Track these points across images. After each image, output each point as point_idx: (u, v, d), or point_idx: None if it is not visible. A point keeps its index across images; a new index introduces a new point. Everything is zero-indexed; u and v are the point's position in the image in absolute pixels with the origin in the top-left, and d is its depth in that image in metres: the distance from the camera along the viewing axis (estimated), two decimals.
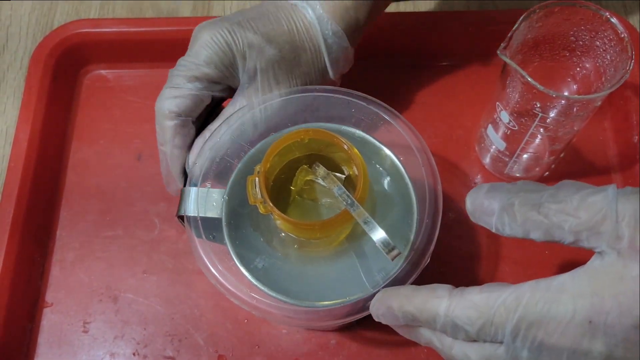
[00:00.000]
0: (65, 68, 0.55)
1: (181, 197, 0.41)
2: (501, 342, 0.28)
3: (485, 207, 0.30)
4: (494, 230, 0.30)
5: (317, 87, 0.42)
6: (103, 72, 0.58)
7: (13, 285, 0.46)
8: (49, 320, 0.48)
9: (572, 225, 0.27)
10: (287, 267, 0.39)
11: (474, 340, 0.30)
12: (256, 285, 0.37)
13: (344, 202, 0.35)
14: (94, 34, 0.55)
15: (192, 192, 0.40)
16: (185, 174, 0.42)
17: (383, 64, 0.56)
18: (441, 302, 0.30)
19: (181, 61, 0.42)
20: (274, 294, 0.37)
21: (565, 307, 0.26)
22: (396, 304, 0.32)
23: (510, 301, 0.28)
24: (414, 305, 0.31)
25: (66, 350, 0.47)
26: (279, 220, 0.37)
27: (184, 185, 0.43)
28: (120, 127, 0.55)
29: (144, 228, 0.51)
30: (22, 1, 0.60)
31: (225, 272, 0.38)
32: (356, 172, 0.37)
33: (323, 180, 0.38)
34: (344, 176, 0.39)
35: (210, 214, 0.39)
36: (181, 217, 0.42)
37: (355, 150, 0.37)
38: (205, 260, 0.38)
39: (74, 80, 0.57)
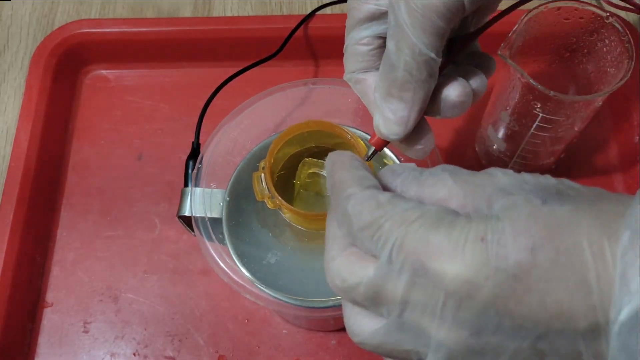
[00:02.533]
0: (66, 68, 0.55)
1: (181, 197, 0.41)
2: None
3: (397, 167, 0.27)
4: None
5: (314, 79, 0.41)
6: (104, 72, 0.58)
7: (13, 285, 0.46)
8: (50, 320, 0.48)
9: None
10: (297, 261, 0.39)
11: (353, 245, 0.25)
12: (260, 288, 0.37)
13: None
14: (94, 34, 0.55)
15: (193, 192, 0.40)
16: None
17: None
18: (353, 186, 0.26)
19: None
20: (279, 295, 0.37)
21: (461, 225, 0.23)
22: (333, 167, 0.28)
23: (412, 213, 0.23)
24: (337, 176, 0.27)
25: (67, 350, 0.47)
26: (288, 214, 0.37)
27: (185, 186, 0.43)
28: (121, 127, 0.55)
29: (145, 228, 0.51)
30: (23, 1, 0.60)
31: (236, 268, 0.38)
32: None
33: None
34: None
35: (211, 214, 0.39)
36: (182, 217, 0.42)
37: (359, 139, 0.37)
38: (216, 257, 0.38)
39: (74, 80, 0.57)
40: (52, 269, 0.49)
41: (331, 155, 0.29)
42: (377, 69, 0.32)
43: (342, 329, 0.46)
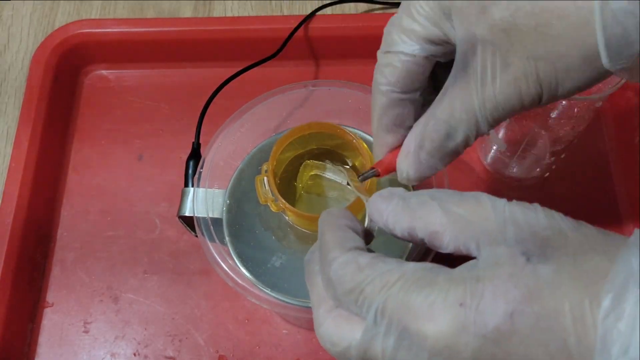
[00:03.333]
0: (66, 68, 0.55)
1: (182, 197, 0.41)
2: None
3: (385, 193, 0.28)
4: (381, 222, 0.27)
5: (313, 81, 0.41)
6: (104, 72, 0.58)
7: (14, 285, 0.46)
8: (50, 320, 0.48)
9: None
10: (302, 264, 0.39)
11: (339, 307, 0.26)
12: (265, 290, 0.37)
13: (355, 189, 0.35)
14: (95, 34, 0.55)
15: (193, 192, 0.40)
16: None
17: None
18: (335, 249, 0.26)
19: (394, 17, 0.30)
20: (282, 297, 0.37)
21: (440, 287, 0.23)
22: (322, 227, 0.28)
23: (392, 276, 0.24)
24: (324, 238, 0.27)
25: (67, 350, 0.47)
26: (292, 217, 0.37)
27: (185, 186, 0.43)
28: (121, 127, 0.55)
29: (145, 228, 0.51)
30: (24, 1, 0.60)
31: (238, 270, 0.38)
32: (362, 162, 0.37)
33: (331, 173, 0.38)
34: (348, 167, 0.39)
35: (213, 215, 0.39)
36: (182, 218, 0.42)
37: (361, 140, 0.37)
38: (219, 260, 0.38)
39: (75, 80, 0.57)
40: (52, 269, 0.49)
41: (322, 214, 0.29)
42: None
43: None
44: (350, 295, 0.25)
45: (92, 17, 0.59)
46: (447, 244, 0.24)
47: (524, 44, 0.25)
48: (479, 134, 0.28)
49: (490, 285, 0.22)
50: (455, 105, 0.27)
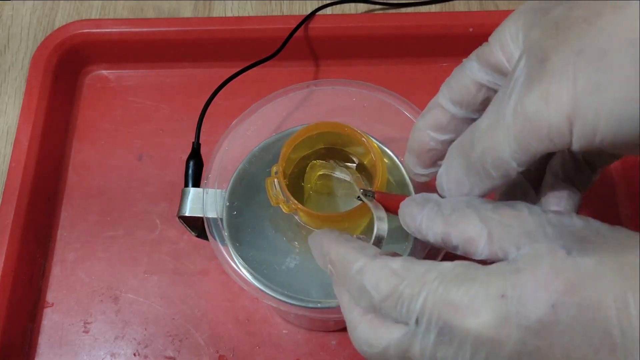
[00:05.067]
0: (66, 68, 0.55)
1: (182, 197, 0.41)
2: (406, 324, 0.24)
3: (419, 198, 0.27)
4: (414, 226, 0.27)
5: (315, 81, 0.41)
6: (104, 72, 0.58)
7: (14, 285, 0.46)
8: (50, 320, 0.48)
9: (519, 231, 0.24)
10: (312, 265, 0.39)
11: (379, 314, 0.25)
12: (265, 292, 0.37)
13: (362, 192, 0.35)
14: (95, 34, 0.55)
15: (193, 192, 0.40)
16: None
17: (382, 64, 0.56)
18: (359, 259, 0.26)
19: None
20: (290, 300, 0.37)
21: (480, 281, 0.23)
22: (324, 245, 0.28)
23: (429, 275, 0.24)
24: (335, 253, 0.27)
25: (67, 350, 0.47)
26: (304, 218, 0.37)
27: (185, 186, 0.43)
28: (121, 128, 0.55)
29: (145, 228, 0.51)
30: (24, 1, 0.60)
31: (246, 274, 0.38)
32: (371, 160, 0.37)
33: (339, 172, 0.38)
34: (354, 165, 0.40)
35: (214, 215, 0.39)
36: (182, 218, 0.42)
37: (369, 137, 0.37)
38: (230, 261, 0.38)
39: (75, 80, 0.57)
40: (52, 269, 0.49)
41: (312, 237, 0.29)
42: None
43: (342, 330, 0.46)
44: (388, 300, 0.24)
45: (92, 17, 0.59)
46: (482, 250, 0.24)
47: (569, 35, 0.22)
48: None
49: (531, 276, 0.22)
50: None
